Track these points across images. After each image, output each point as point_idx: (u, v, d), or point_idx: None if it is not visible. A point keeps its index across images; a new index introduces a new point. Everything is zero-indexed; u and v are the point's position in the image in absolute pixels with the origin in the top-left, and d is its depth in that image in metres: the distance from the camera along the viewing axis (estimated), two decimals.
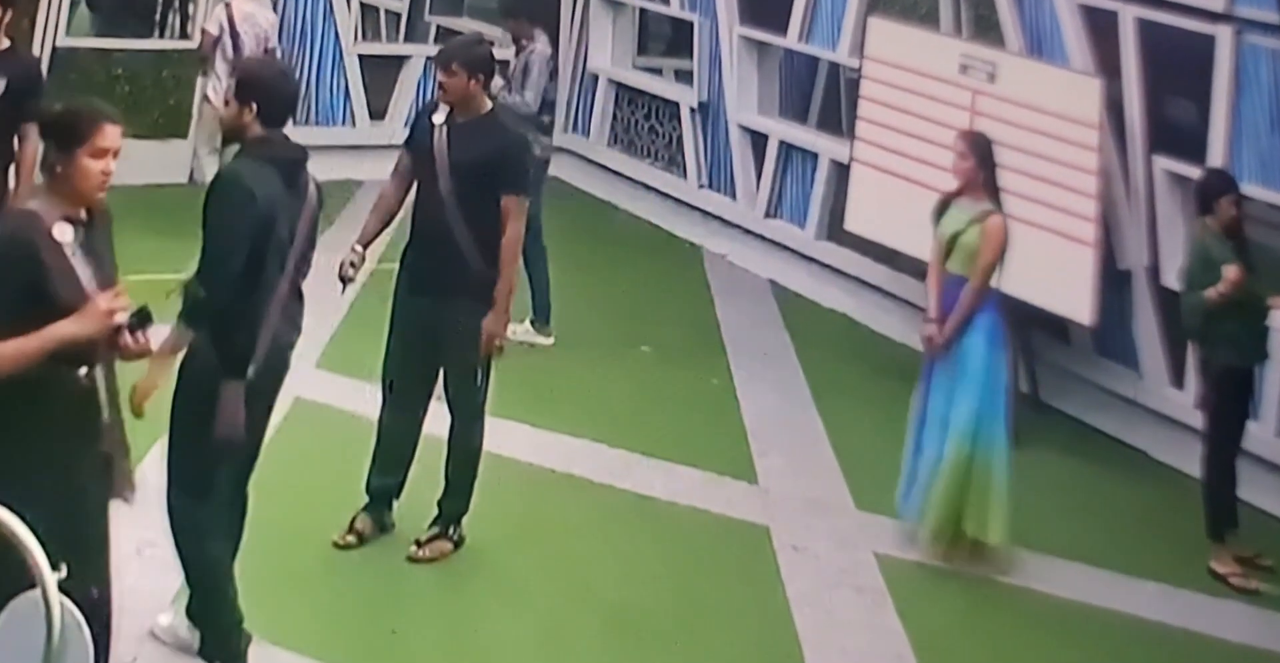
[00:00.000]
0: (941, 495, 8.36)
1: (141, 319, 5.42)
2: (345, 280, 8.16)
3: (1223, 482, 8.55)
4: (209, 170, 13.23)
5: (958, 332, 8.38)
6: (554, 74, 11.89)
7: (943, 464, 8.36)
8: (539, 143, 10.75)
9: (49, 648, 4.12)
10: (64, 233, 5.36)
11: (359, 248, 8.12)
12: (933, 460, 8.42)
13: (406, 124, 8.20)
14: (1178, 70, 10.19)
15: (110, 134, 5.38)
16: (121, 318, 5.34)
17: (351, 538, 8.15)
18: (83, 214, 5.44)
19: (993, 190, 8.57)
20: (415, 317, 7.99)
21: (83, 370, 5.46)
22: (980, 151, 8.59)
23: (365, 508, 8.23)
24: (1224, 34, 9.66)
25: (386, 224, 8.25)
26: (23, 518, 4.67)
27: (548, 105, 11.62)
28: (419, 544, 8.10)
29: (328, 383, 10.16)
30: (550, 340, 11.29)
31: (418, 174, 7.97)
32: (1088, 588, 8.32)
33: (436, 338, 7.93)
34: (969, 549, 8.42)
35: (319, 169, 14.38)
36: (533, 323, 11.25)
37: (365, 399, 8.94)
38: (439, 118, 7.88)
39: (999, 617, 8.05)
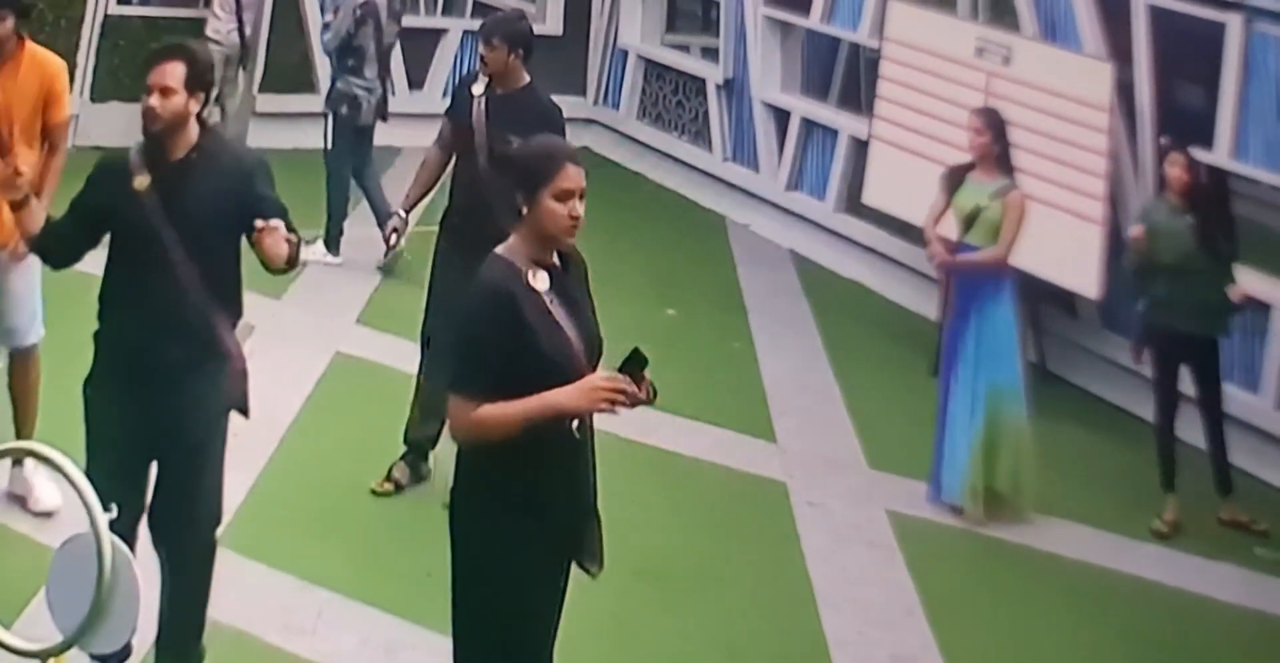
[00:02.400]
0: (979, 459, 8.34)
1: (639, 364, 4.77)
2: (390, 243, 8.20)
3: (1162, 438, 8.54)
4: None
5: (968, 268, 8.46)
6: (372, 23, 11.87)
7: (976, 430, 8.33)
8: (344, 80, 11.74)
9: (100, 585, 4.02)
10: (540, 280, 4.84)
11: (403, 213, 8.13)
12: (968, 429, 8.36)
13: (445, 94, 8.13)
14: (1188, 57, 10.13)
15: (573, 175, 4.79)
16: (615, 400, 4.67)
17: (389, 486, 8.13)
18: (555, 258, 4.91)
19: (1006, 165, 8.56)
20: (454, 278, 7.90)
21: (575, 423, 4.88)
22: (995, 127, 8.57)
23: (403, 457, 8.22)
24: (1234, 22, 9.59)
25: (428, 190, 8.24)
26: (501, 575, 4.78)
27: (353, 50, 11.78)
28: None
29: (367, 338, 10.14)
30: (339, 260, 11.67)
31: (457, 143, 7.94)
32: (1090, 548, 8.29)
33: (452, 287, 7.83)
34: (1003, 508, 8.40)
35: None
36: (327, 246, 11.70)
37: (403, 354, 8.91)
38: (478, 89, 7.85)
39: (1005, 573, 8.04)
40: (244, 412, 6.07)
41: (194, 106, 5.81)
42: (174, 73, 5.73)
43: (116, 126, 13.68)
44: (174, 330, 5.74)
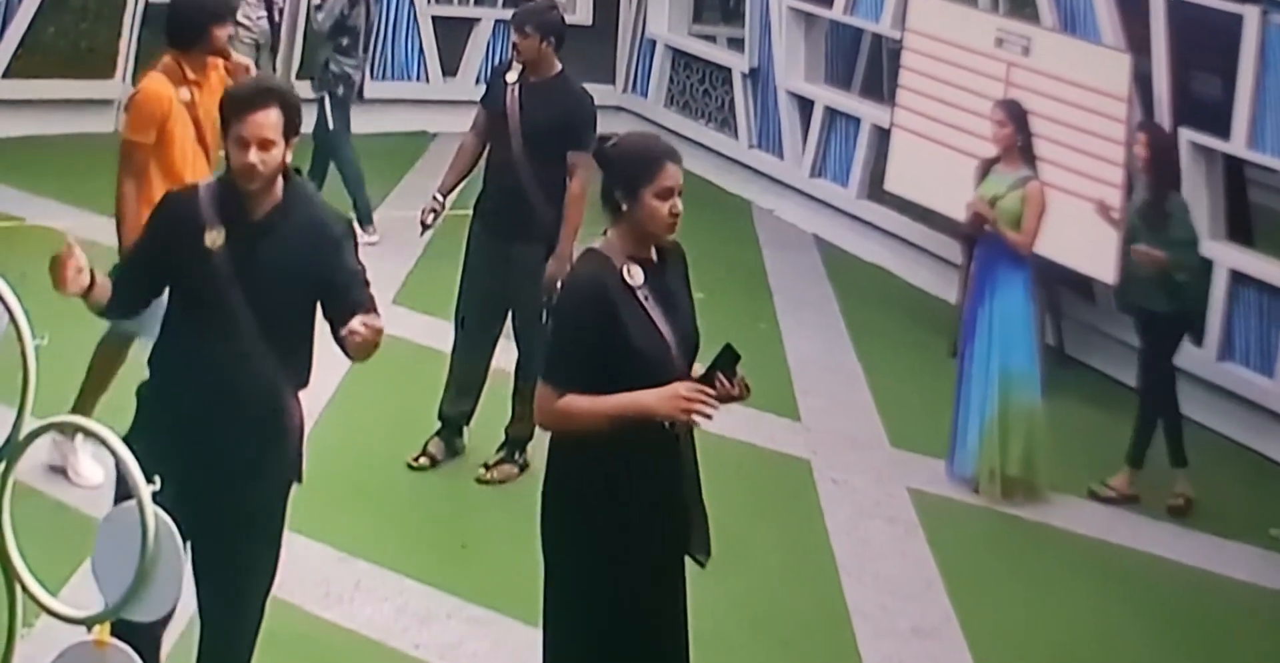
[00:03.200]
0: (993, 442, 8.29)
1: (729, 360, 4.73)
2: (425, 226, 8.14)
3: (1143, 413, 8.54)
4: None
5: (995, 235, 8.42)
6: (363, 4, 11.94)
7: (990, 413, 8.29)
8: (335, 61, 11.69)
9: (143, 555, 3.95)
10: (635, 276, 4.76)
11: (439, 196, 8.08)
12: (983, 410, 8.32)
13: (478, 82, 8.15)
14: (1205, 48, 10.01)
15: (673, 173, 4.75)
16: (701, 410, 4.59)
17: (424, 460, 8.11)
18: (653, 254, 4.85)
19: (1029, 155, 8.54)
20: (488, 260, 7.91)
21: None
22: (1017, 119, 8.55)
23: (437, 433, 8.20)
24: (1251, 14, 9.48)
25: (464, 175, 8.22)
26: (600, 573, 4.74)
27: (347, 30, 11.77)
28: (487, 467, 8.09)
29: (403, 318, 10.09)
30: (376, 238, 11.49)
31: (492, 130, 7.94)
32: (1107, 526, 8.25)
33: (506, 279, 7.89)
34: (1016, 489, 8.36)
35: (396, 121, 14.51)
36: (361, 225, 11.45)
37: (438, 333, 8.87)
38: (512, 77, 7.87)
39: (1023, 549, 8.01)
40: (299, 479, 5.40)
41: (289, 157, 4.99)
42: (272, 122, 4.84)
43: None
44: (236, 398, 5.00)
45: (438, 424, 8.19)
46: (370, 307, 4.98)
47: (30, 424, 4.20)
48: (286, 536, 7.15)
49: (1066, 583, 7.60)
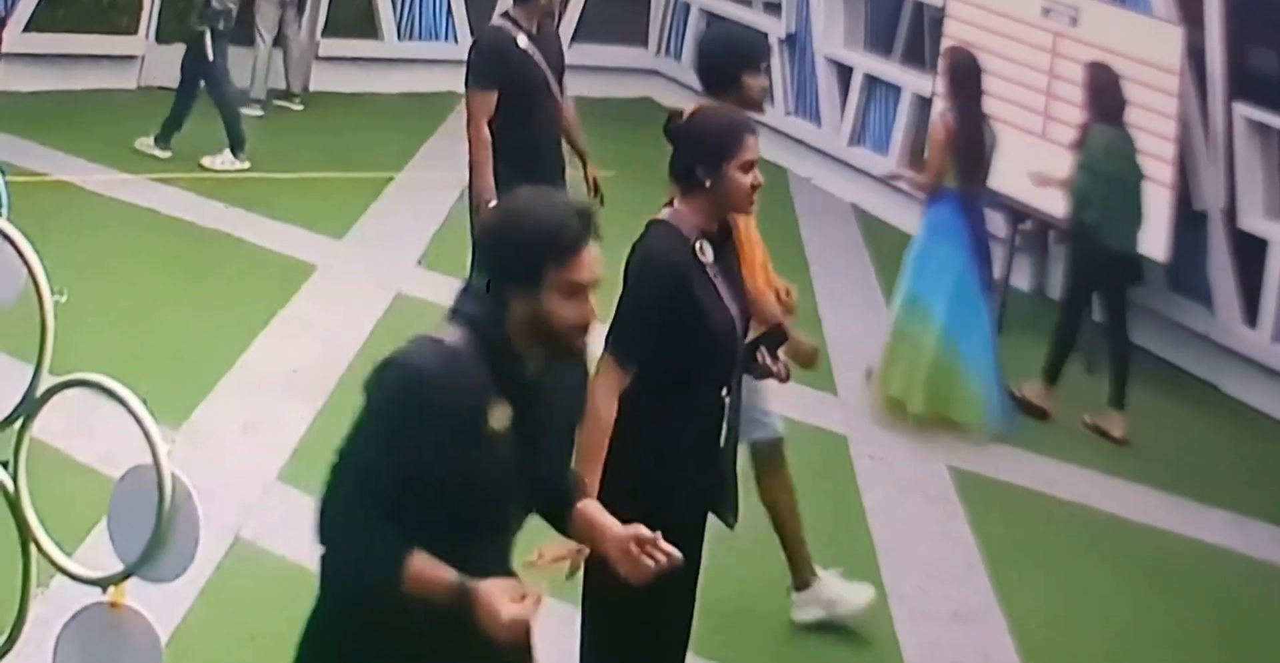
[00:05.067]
0: (927, 385, 8.53)
1: (776, 340, 4.88)
2: None
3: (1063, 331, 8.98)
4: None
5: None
6: None
7: (926, 357, 8.55)
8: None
9: (160, 516, 3.89)
10: (706, 252, 4.76)
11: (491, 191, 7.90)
12: (912, 339, 8.65)
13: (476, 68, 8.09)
14: (1262, 21, 9.85)
15: (754, 146, 4.83)
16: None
17: None
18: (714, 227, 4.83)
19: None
20: None
21: (724, 391, 4.83)
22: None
23: None
24: None
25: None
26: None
27: None
28: None
29: (428, 280, 9.99)
30: (247, 164, 11.92)
31: (523, 96, 7.95)
32: (1154, 512, 8.14)
33: None
34: (896, 410, 8.64)
35: (424, 81, 14.47)
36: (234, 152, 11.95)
37: None
38: (524, 41, 7.99)
39: (1067, 533, 7.91)
40: None
41: None
42: (600, 259, 3.69)
43: (179, 68, 13.57)
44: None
45: None
46: None
47: (48, 381, 4.14)
48: (305, 501, 7.11)
49: (1112, 569, 7.52)
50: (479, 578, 3.48)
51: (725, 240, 4.85)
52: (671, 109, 5.09)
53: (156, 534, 3.93)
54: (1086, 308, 9.15)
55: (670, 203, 4.85)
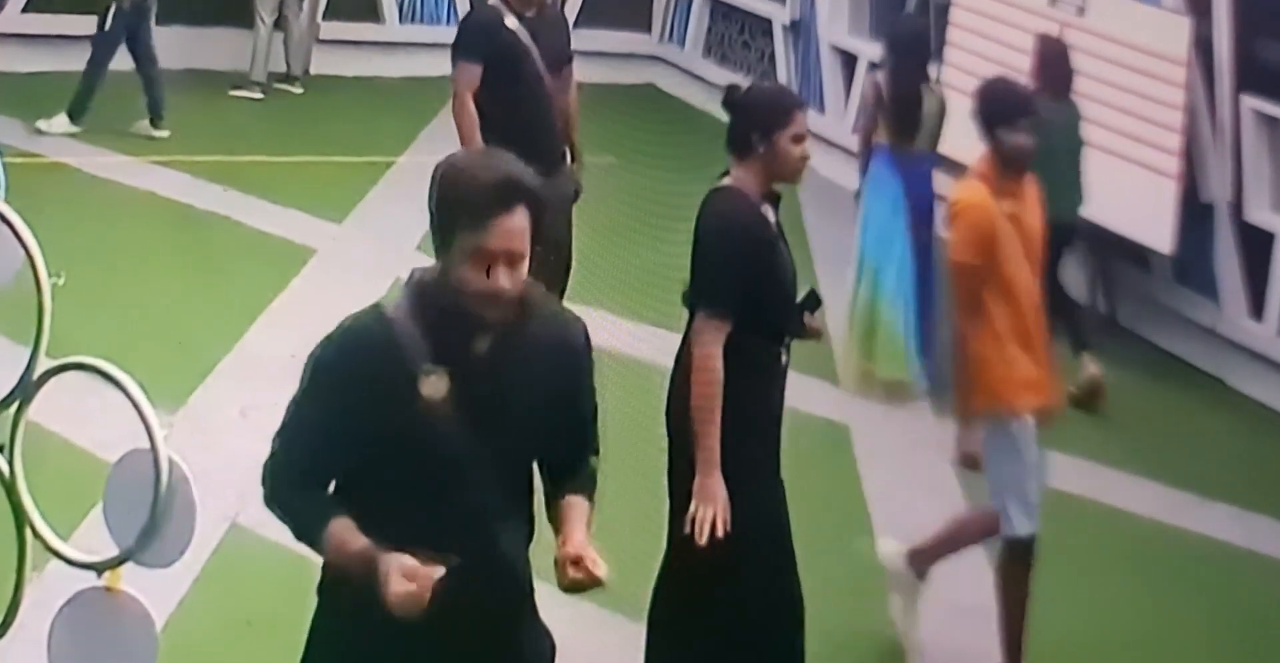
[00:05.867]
0: (856, 340, 8.85)
1: (815, 303, 5.37)
2: None
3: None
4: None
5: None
6: None
7: (854, 311, 8.87)
8: None
9: (156, 500, 3.88)
10: (769, 214, 5.24)
11: None
12: (865, 303, 8.90)
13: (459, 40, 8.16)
14: (1271, 13, 9.79)
15: (802, 119, 5.24)
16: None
17: None
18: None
19: None
20: None
21: (784, 349, 5.33)
22: None
23: None
24: None
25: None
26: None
27: None
28: None
29: (427, 265, 9.90)
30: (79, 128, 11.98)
31: (506, 77, 8.00)
32: (1161, 506, 8.12)
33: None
34: (881, 387, 8.77)
35: (425, 65, 14.45)
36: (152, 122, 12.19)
37: None
38: (512, 22, 8.02)
39: (1072, 527, 7.81)
40: None
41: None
42: (524, 230, 3.53)
43: (179, 51, 13.57)
44: (483, 586, 3.59)
45: None
46: (596, 446, 3.95)
47: (45, 364, 4.12)
48: None
49: (1115, 562, 7.52)
50: (422, 550, 3.44)
51: (775, 207, 5.26)
52: (730, 83, 5.51)
53: (152, 519, 3.92)
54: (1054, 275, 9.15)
55: (726, 172, 5.26)
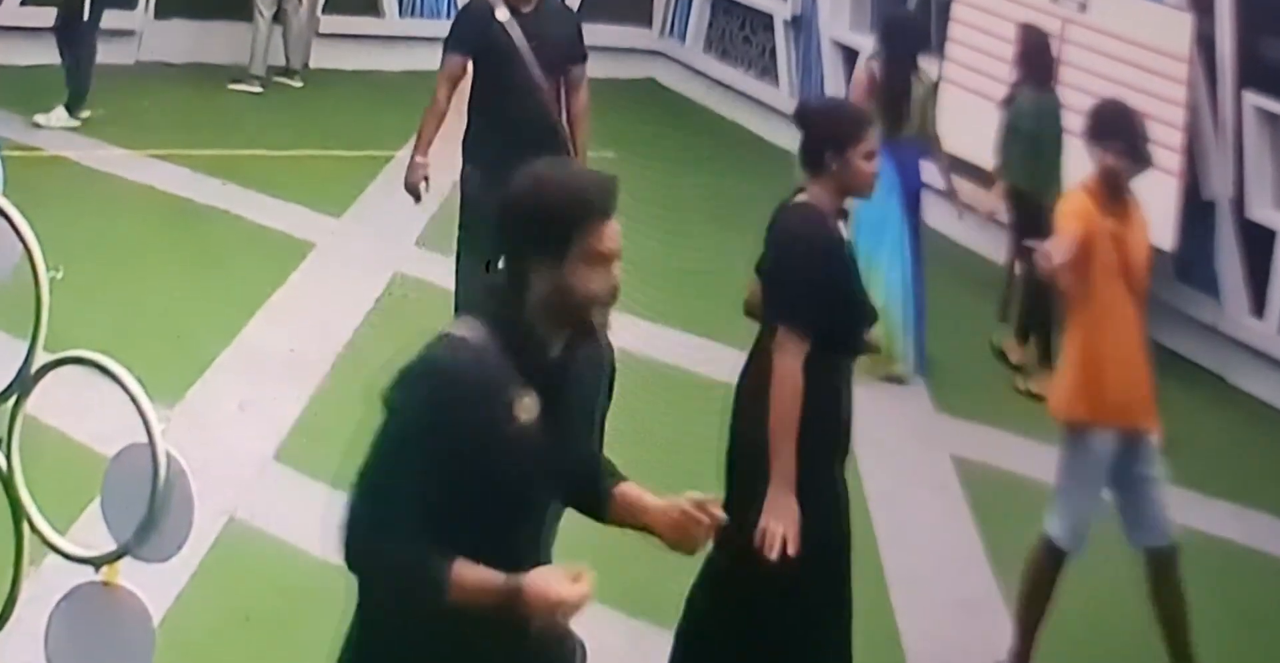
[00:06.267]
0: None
1: (874, 315, 5.47)
2: (417, 195, 8.29)
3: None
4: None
5: None
6: None
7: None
8: None
9: (153, 495, 3.87)
10: (842, 230, 5.28)
11: (421, 160, 8.17)
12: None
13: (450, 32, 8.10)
14: (1270, 8, 9.80)
15: (874, 137, 5.33)
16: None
17: None
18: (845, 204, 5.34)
19: None
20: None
21: (851, 363, 5.41)
22: None
23: None
24: None
25: (438, 130, 8.20)
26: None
27: None
28: None
29: (426, 259, 9.99)
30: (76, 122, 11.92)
31: (493, 71, 7.89)
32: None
33: None
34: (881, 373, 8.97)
35: (425, 59, 14.45)
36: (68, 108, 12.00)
37: None
38: (504, 14, 7.85)
39: None
40: None
41: None
42: (620, 231, 3.63)
43: (179, 44, 13.56)
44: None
45: None
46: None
47: (43, 358, 4.12)
48: (299, 479, 7.12)
49: (1115, 559, 7.46)
50: (498, 567, 3.43)
51: (846, 222, 5.32)
52: (802, 100, 5.54)
53: (150, 513, 3.91)
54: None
55: (801, 189, 5.28)
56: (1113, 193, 6.23)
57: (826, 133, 5.25)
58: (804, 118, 5.37)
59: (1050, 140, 9.25)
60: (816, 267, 5.13)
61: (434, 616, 3.53)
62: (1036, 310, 9.16)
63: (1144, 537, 6.36)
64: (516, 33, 7.82)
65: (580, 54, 8.09)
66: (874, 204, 8.84)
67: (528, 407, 3.53)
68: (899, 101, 9.24)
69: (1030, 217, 9.05)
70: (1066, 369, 6.25)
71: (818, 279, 5.12)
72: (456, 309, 8.03)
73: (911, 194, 9.33)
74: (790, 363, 5.08)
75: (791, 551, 4.99)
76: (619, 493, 3.79)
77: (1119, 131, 6.28)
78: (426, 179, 8.09)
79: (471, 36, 7.93)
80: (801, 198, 5.26)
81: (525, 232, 3.55)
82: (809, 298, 5.10)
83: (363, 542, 3.53)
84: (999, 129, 9.38)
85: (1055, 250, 6.01)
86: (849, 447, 5.46)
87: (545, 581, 3.42)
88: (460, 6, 8.57)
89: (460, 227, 8.11)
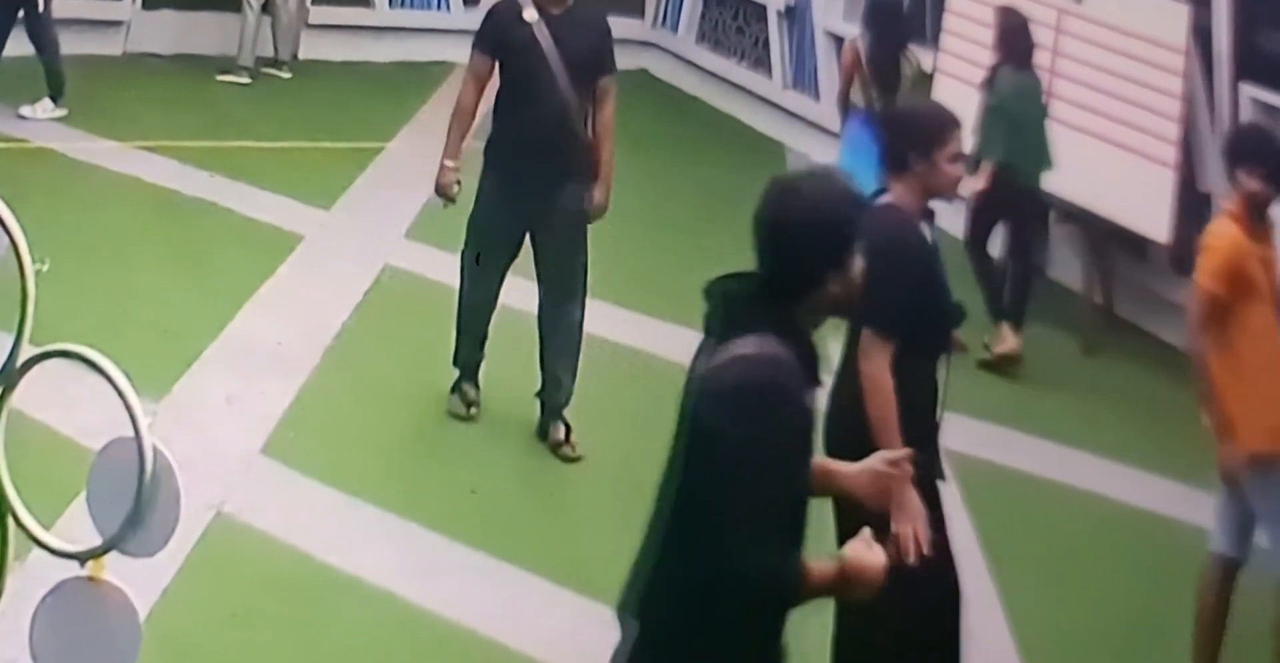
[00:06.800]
0: None
1: (961, 314, 5.63)
2: (450, 198, 7.92)
3: (981, 269, 9.52)
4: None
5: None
6: None
7: None
8: None
9: (140, 489, 3.86)
10: (927, 232, 5.37)
11: (452, 163, 7.84)
12: None
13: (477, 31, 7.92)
14: (1268, 1, 9.83)
15: (960, 139, 5.39)
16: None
17: (474, 410, 7.98)
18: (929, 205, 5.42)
19: None
20: (522, 206, 7.67)
21: (938, 364, 5.45)
22: None
23: (466, 379, 8.02)
24: None
25: (468, 131, 7.97)
26: None
27: None
28: (569, 444, 7.78)
29: (415, 252, 9.99)
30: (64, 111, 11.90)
31: (518, 73, 7.67)
32: (1156, 497, 8.13)
33: (549, 222, 7.70)
34: None
35: (415, 50, 14.47)
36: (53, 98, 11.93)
37: (451, 269, 8.77)
38: (531, 15, 7.63)
39: (1067, 518, 7.89)
40: None
41: None
42: None
43: (167, 35, 13.54)
44: None
45: (451, 365, 8.03)
46: None
47: (28, 351, 4.11)
48: (288, 475, 7.14)
49: (1112, 553, 7.52)
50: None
51: (931, 223, 5.40)
52: (886, 102, 5.77)
53: (136, 508, 3.89)
54: (986, 243, 9.71)
55: (884, 189, 5.32)
56: (1256, 217, 6.24)
57: (912, 134, 5.32)
58: (890, 119, 5.51)
59: (1032, 121, 9.41)
60: (901, 271, 5.12)
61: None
62: (1020, 272, 9.50)
63: None
64: (544, 35, 7.61)
65: (609, 66, 7.82)
66: (860, 175, 9.11)
67: (818, 407, 4.00)
68: (889, 74, 9.65)
69: (1011, 196, 9.31)
70: (1229, 396, 6.18)
71: (901, 284, 5.12)
72: (467, 310, 7.93)
73: None
74: (877, 366, 5.19)
75: (925, 549, 4.94)
76: (813, 464, 4.07)
77: (1261, 156, 6.28)
78: (459, 183, 7.82)
79: (498, 36, 7.73)
80: (885, 199, 5.29)
81: (818, 246, 3.82)
82: (892, 303, 5.11)
83: (756, 571, 3.70)
84: (979, 110, 9.44)
85: (1203, 274, 6.12)
86: (939, 445, 5.51)
87: (858, 556, 3.72)
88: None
89: (473, 229, 7.90)
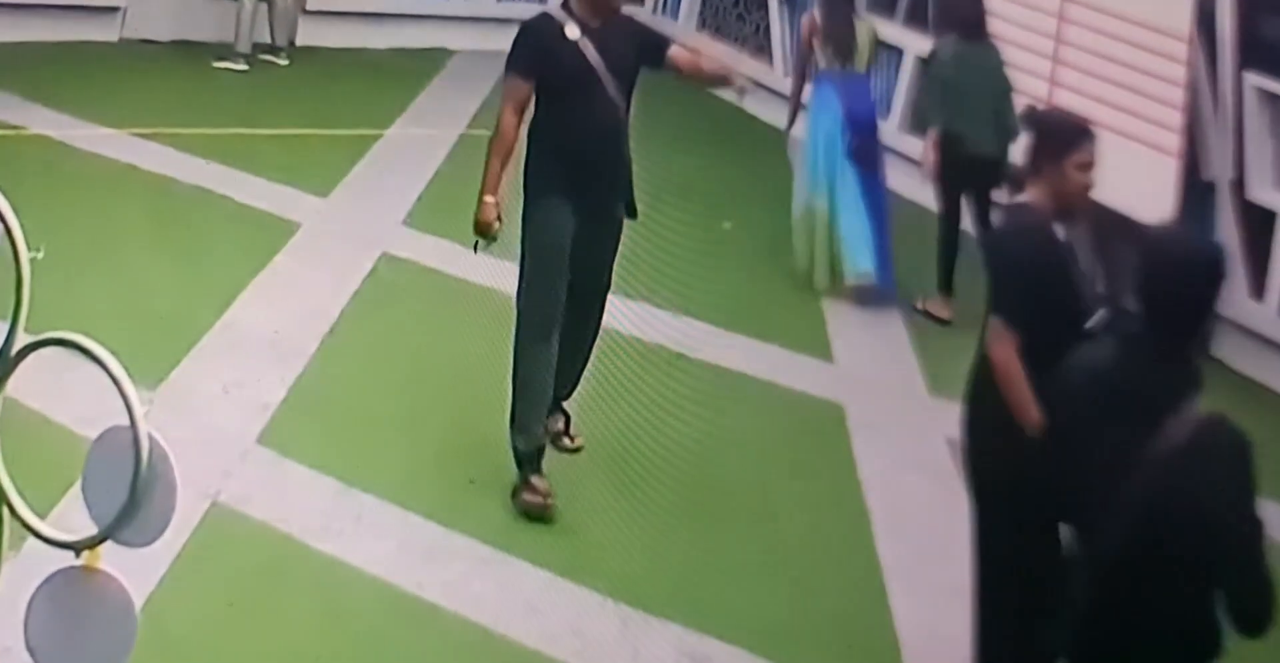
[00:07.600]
0: (812, 246, 10.03)
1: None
2: (491, 238, 7.23)
3: (944, 245, 9.92)
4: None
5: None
6: None
7: (801, 219, 10.14)
8: None
9: (136, 478, 3.84)
10: (1060, 232, 5.51)
11: (492, 199, 7.17)
12: (811, 213, 10.12)
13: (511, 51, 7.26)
14: None
15: (1092, 150, 5.50)
16: None
17: (551, 500, 7.14)
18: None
19: None
20: (590, 234, 7.27)
21: None
22: None
23: (532, 470, 7.19)
24: None
25: (508, 161, 7.29)
26: None
27: None
28: (571, 438, 7.69)
29: (413, 239, 10.00)
30: None
31: (566, 92, 7.12)
32: None
33: (605, 249, 7.44)
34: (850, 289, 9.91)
35: (413, 37, 14.45)
36: None
37: (448, 257, 8.81)
38: (573, 32, 7.13)
39: None
40: None
41: None
42: None
43: (164, 22, 13.53)
44: None
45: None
46: None
47: (23, 339, 4.11)
48: (285, 464, 7.14)
49: None
50: None
51: (1070, 225, 5.57)
52: (1028, 105, 6.02)
53: (132, 497, 3.89)
54: (959, 213, 9.97)
55: (1020, 189, 5.63)
56: None
57: (1044, 140, 5.54)
58: (1030, 123, 5.70)
59: (979, 89, 9.61)
60: (1024, 263, 5.41)
61: None
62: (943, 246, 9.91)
63: None
64: (592, 52, 7.10)
65: (658, 55, 7.29)
66: (829, 131, 10.11)
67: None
68: (845, 37, 10.21)
69: (967, 166, 9.60)
70: None
71: (1020, 277, 5.40)
72: (528, 328, 7.21)
73: (864, 120, 10.26)
74: (1003, 351, 5.37)
75: None
76: None
77: None
78: (500, 219, 7.16)
79: (540, 58, 7.14)
80: (1022, 197, 5.58)
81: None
82: (1012, 294, 5.41)
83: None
84: (923, 80, 9.81)
85: None
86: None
87: None
88: (522, 24, 7.49)
89: (534, 262, 7.23)
